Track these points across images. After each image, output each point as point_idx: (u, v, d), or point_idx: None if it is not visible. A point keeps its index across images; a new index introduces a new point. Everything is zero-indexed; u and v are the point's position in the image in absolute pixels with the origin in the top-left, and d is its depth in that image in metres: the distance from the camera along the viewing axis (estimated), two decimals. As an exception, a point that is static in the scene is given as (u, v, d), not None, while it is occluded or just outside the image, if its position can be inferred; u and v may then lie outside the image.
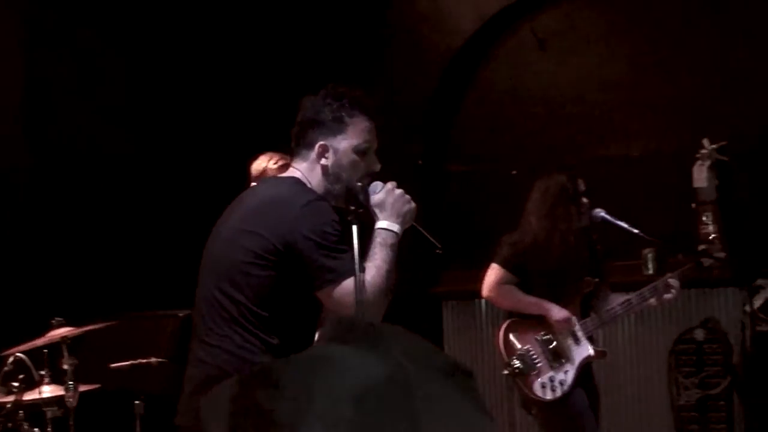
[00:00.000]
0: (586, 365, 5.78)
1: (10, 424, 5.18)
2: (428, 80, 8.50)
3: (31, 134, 7.41)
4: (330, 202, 3.88)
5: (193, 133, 8.17)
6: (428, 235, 4.01)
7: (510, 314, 5.92)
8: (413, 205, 3.93)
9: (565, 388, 5.67)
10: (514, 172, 8.10)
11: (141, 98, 8.06)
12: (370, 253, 3.81)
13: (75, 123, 7.59)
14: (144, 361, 5.83)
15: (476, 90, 8.52)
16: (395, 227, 3.86)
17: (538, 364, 5.73)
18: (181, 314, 6.68)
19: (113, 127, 7.82)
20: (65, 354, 5.36)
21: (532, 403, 5.76)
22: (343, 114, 3.93)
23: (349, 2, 8.59)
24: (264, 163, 6.38)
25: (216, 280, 3.86)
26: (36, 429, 5.36)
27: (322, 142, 3.92)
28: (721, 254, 6.13)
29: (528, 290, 5.80)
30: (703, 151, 7.36)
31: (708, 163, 7.34)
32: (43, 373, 5.49)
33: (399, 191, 3.91)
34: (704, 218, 7.31)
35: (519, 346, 5.79)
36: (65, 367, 5.36)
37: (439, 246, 4.01)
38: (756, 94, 7.45)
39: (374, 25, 8.62)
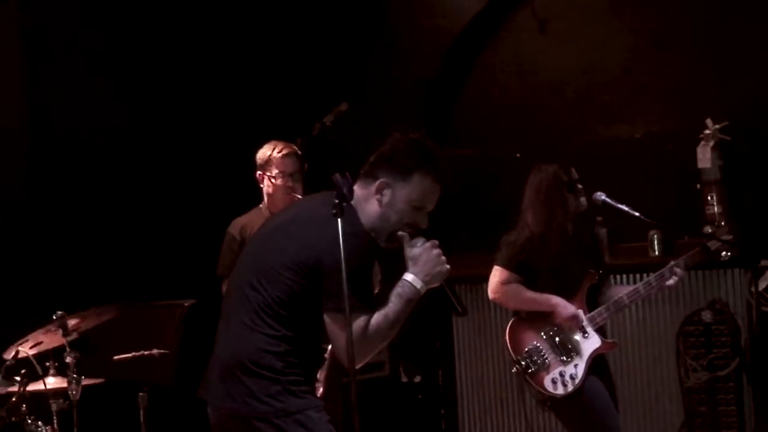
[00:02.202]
0: (597, 357, 5.74)
1: (14, 418, 5.18)
2: (431, 63, 8.47)
3: (32, 128, 7.39)
4: (370, 235, 4.04)
5: (195, 124, 8.14)
6: (453, 298, 4.18)
7: (516, 312, 5.91)
8: (446, 267, 4.05)
9: (577, 382, 5.64)
10: (518, 155, 8.08)
11: (143, 89, 8.03)
12: (388, 299, 3.99)
13: (75, 116, 7.56)
14: (147, 353, 5.83)
15: (479, 72, 8.49)
16: (419, 284, 4.00)
17: (548, 361, 5.71)
18: (186, 304, 6.68)
19: (114, 119, 7.80)
20: (68, 347, 5.36)
21: (545, 399, 5.73)
22: (416, 167, 4.06)
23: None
24: (269, 151, 6.38)
25: (251, 273, 4.08)
26: (40, 422, 5.35)
27: (385, 180, 4.06)
28: (728, 237, 6.10)
29: (533, 286, 5.77)
30: (707, 131, 7.32)
31: (712, 143, 7.30)
32: (48, 364, 5.50)
33: (436, 251, 4.04)
34: (709, 198, 7.28)
35: (526, 343, 5.77)
36: (68, 360, 5.36)
37: (463, 310, 4.22)
38: (759, 73, 7.39)
39: (377, 8, 8.60)
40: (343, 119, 7.20)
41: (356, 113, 7.25)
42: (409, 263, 4.04)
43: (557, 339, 5.73)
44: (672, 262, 5.75)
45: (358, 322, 3.90)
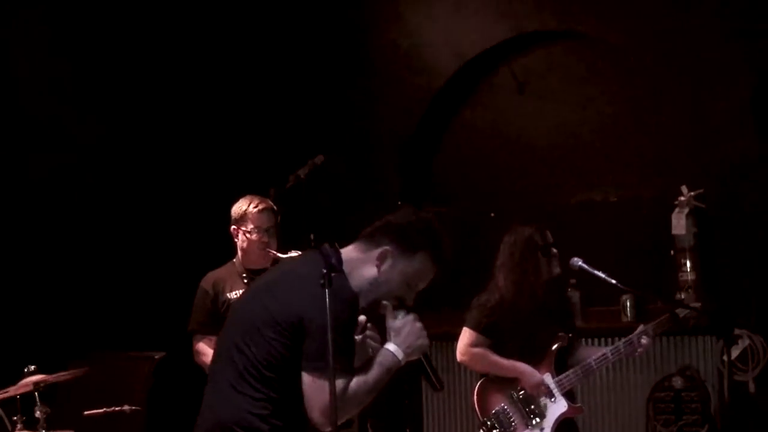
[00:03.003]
0: (566, 421, 5.74)
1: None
2: (409, 119, 8.51)
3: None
4: (357, 297, 4.01)
5: (168, 171, 8.11)
6: (431, 373, 4.13)
7: (483, 373, 5.90)
8: (426, 341, 4.07)
9: None
10: (492, 214, 8.11)
11: (115, 137, 8.00)
12: (369, 365, 3.98)
13: (47, 161, 7.53)
14: (118, 408, 5.78)
15: (457, 130, 8.54)
16: (400, 355, 4.00)
17: (514, 423, 5.71)
18: (156, 356, 6.63)
19: (89, 171, 7.78)
20: (38, 401, 5.31)
21: None
22: (423, 247, 4.05)
23: (332, 41, 8.59)
24: (244, 206, 6.35)
25: (235, 334, 4.05)
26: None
27: (389, 249, 4.04)
28: (697, 304, 6.14)
29: (502, 349, 5.77)
30: (682, 198, 7.37)
31: (686, 210, 7.35)
32: (15, 418, 5.43)
33: (418, 325, 4.04)
34: (682, 265, 7.32)
35: (494, 405, 5.77)
36: (38, 415, 5.31)
37: (440, 385, 4.14)
38: (735, 141, 7.46)
39: (357, 64, 8.63)
40: (318, 172, 7.20)
41: (333, 166, 7.25)
42: (392, 334, 4.04)
43: (524, 402, 5.73)
44: (640, 328, 5.76)
45: (338, 383, 3.86)
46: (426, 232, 4.10)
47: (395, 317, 4.05)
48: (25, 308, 7.11)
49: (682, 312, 5.84)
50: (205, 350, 6.21)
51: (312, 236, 6.72)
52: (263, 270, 6.25)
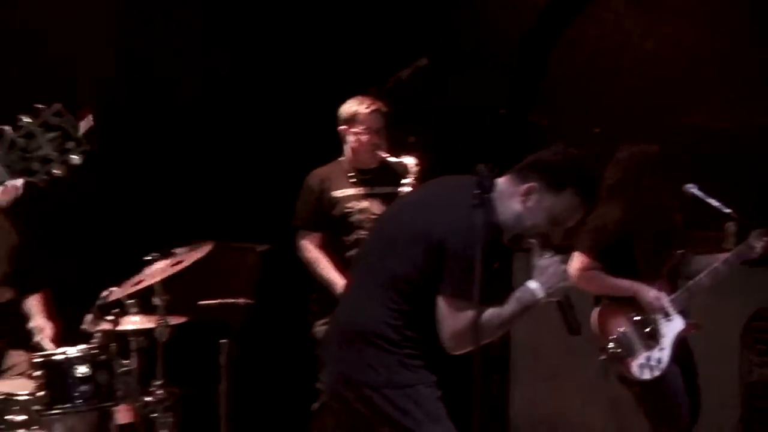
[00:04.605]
0: (681, 340, 5.77)
1: (103, 357, 5.22)
2: (518, 27, 8.36)
3: (125, 70, 7.39)
4: (499, 231, 4.07)
5: (279, 68, 8.07)
6: (569, 316, 4.21)
7: (598, 297, 5.89)
8: (569, 284, 4.19)
9: (662, 366, 5.68)
10: (597, 129, 8.01)
11: (231, 38, 7.98)
12: (507, 300, 4.07)
13: (165, 61, 7.56)
14: (232, 300, 5.87)
15: (566, 43, 8.38)
16: (540, 293, 4.09)
17: (635, 345, 5.72)
18: (259, 248, 6.69)
19: (204, 65, 7.80)
20: (158, 289, 5.38)
21: (632, 384, 5.75)
22: (570, 184, 4.09)
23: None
24: (355, 107, 6.35)
25: (377, 245, 4.21)
26: (125, 360, 5.40)
27: (535, 185, 4.08)
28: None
29: (615, 270, 5.76)
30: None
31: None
32: (131, 302, 5.52)
33: (563, 267, 4.14)
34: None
35: (614, 329, 5.77)
36: (157, 302, 5.39)
37: (576, 329, 4.22)
38: None
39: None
40: (421, 74, 7.15)
41: (437, 70, 7.19)
42: (535, 272, 4.10)
43: (643, 324, 5.74)
44: (751, 234, 5.75)
45: (470, 313, 3.91)
46: (574, 170, 4.13)
47: (541, 256, 4.08)
48: (140, 199, 7.24)
49: None
50: (308, 246, 6.27)
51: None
52: (371, 170, 6.30)
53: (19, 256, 5.70)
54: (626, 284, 5.75)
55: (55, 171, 2.81)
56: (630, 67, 8.10)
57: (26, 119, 2.81)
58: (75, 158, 2.83)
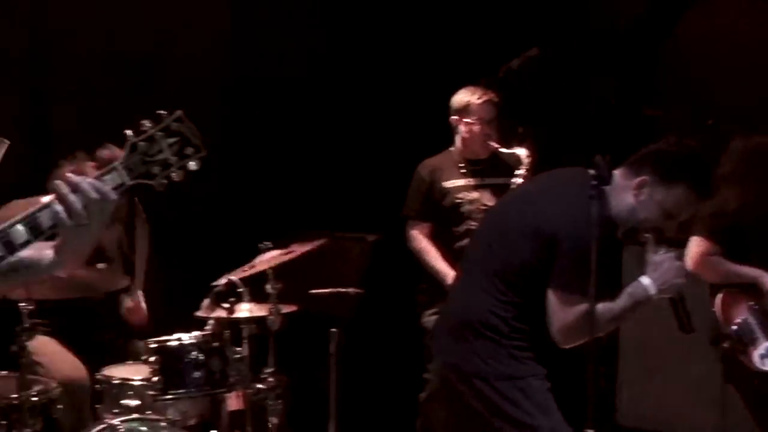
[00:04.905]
0: None
1: (216, 344, 5.30)
2: (632, 14, 8.26)
3: (238, 61, 7.47)
4: (613, 225, 4.06)
5: (397, 64, 8.08)
6: (683, 315, 4.17)
7: (713, 285, 5.80)
8: (683, 281, 4.10)
9: None
10: (710, 122, 7.88)
11: (340, 26, 8.03)
12: (619, 295, 4.03)
13: (276, 54, 7.63)
14: (343, 290, 5.91)
15: (680, 33, 8.25)
16: (653, 290, 4.03)
17: (755, 333, 5.62)
18: (370, 238, 6.73)
19: (313, 54, 7.84)
20: (271, 277, 5.45)
21: (749, 378, 5.65)
22: (682, 178, 4.06)
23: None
24: (467, 97, 6.33)
25: (489, 236, 4.21)
26: (238, 348, 5.48)
27: (647, 178, 4.06)
28: None
29: (735, 257, 5.66)
30: None
31: None
32: (242, 290, 5.59)
33: (678, 263, 4.10)
34: None
35: (736, 317, 5.67)
36: (269, 290, 5.45)
37: (689, 328, 4.19)
38: None
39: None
40: (532, 65, 7.09)
41: (548, 60, 7.14)
42: (649, 268, 4.05)
43: (763, 312, 5.63)
44: None
45: (581, 307, 3.89)
46: (687, 163, 4.07)
47: (656, 251, 4.02)
48: (254, 191, 7.32)
49: None
50: (418, 236, 6.28)
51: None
52: (482, 161, 6.29)
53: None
54: (746, 271, 5.62)
55: (173, 176, 2.87)
56: (744, 58, 7.94)
57: (148, 124, 2.87)
58: (193, 164, 2.88)
